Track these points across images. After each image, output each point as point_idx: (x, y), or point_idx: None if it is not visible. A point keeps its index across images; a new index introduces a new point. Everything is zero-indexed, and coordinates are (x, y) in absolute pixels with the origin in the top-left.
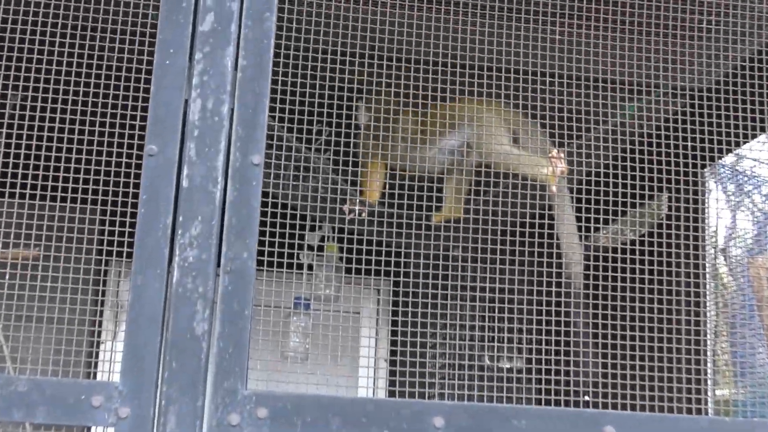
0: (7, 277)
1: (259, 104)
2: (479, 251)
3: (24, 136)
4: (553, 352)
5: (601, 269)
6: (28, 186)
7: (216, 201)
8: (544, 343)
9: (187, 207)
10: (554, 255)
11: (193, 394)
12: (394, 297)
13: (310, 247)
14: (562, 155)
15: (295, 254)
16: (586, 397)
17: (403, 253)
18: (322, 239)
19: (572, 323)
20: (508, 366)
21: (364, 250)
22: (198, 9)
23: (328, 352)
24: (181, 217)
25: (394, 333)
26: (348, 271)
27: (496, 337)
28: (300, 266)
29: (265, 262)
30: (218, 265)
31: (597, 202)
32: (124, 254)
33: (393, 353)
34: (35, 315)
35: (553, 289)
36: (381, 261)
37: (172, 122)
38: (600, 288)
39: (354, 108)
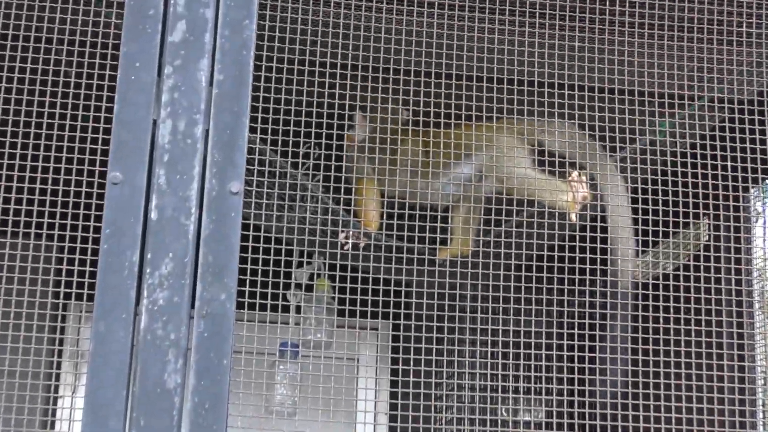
0: None
1: (238, 124)
2: (493, 288)
3: None
4: (578, 404)
5: (630, 305)
6: None
7: (189, 235)
8: (567, 393)
9: (156, 242)
10: (577, 293)
11: None
12: (394, 342)
13: (299, 286)
14: (583, 179)
15: (281, 294)
16: None
17: (404, 291)
18: (312, 276)
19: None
20: (527, 420)
21: (359, 289)
22: (167, 17)
23: (320, 405)
24: (150, 253)
25: (395, 383)
26: (342, 312)
27: (513, 387)
28: (287, 307)
29: (246, 304)
30: (192, 308)
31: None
32: (85, 296)
33: (394, 406)
34: None
35: (577, 331)
36: (379, 300)
37: (138, 146)
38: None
39: (348, 122)
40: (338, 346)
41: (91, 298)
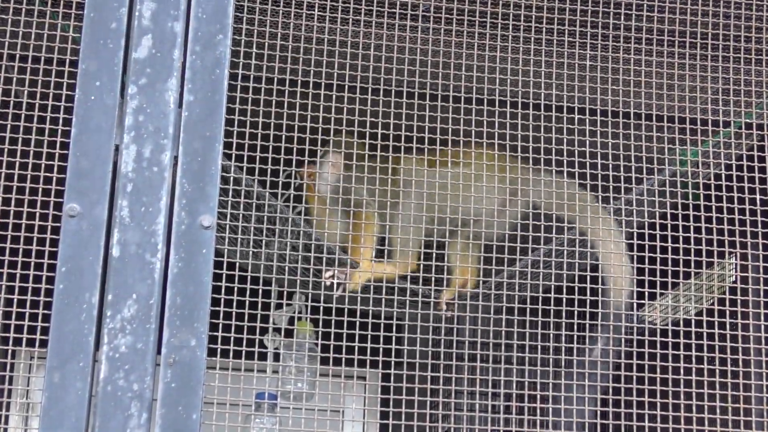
0: None
1: (211, 151)
2: (494, 334)
3: None
4: None
5: (647, 354)
6: None
7: (156, 274)
8: None
9: (118, 282)
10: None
11: None
12: (384, 393)
13: (277, 330)
14: None
15: (257, 339)
16: None
17: (394, 336)
18: (293, 319)
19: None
20: None
21: (344, 333)
22: (131, 31)
23: None
24: (111, 294)
25: None
26: (326, 360)
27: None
28: (264, 354)
29: (218, 350)
30: (159, 355)
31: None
32: (37, 342)
33: None
34: None
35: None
36: (367, 347)
37: (99, 174)
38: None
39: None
40: (321, 397)
41: (43, 344)
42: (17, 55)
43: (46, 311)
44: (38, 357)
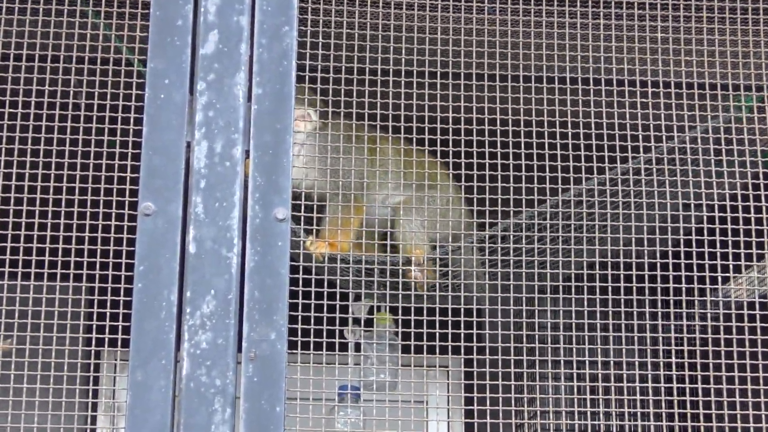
0: None
1: (282, 143)
2: (577, 314)
3: None
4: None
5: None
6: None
7: (233, 269)
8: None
9: (196, 278)
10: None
11: None
12: (467, 380)
13: (357, 321)
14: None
15: (337, 331)
16: None
17: (475, 321)
18: (372, 310)
19: None
20: None
21: (425, 321)
22: (197, 27)
23: None
24: (190, 291)
25: (470, 426)
26: (407, 349)
27: (603, 426)
28: (345, 346)
29: (299, 344)
30: (239, 350)
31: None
32: (119, 342)
33: None
34: (9, 426)
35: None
36: (448, 333)
37: (172, 172)
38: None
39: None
40: (404, 387)
41: (126, 344)
42: (86, 57)
43: (127, 311)
44: (121, 358)
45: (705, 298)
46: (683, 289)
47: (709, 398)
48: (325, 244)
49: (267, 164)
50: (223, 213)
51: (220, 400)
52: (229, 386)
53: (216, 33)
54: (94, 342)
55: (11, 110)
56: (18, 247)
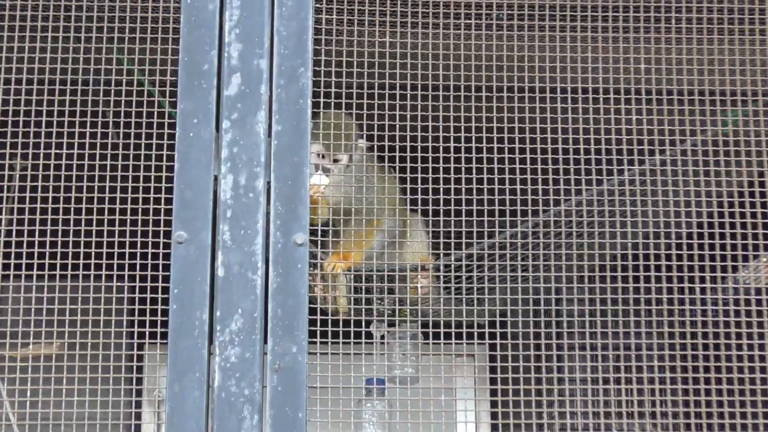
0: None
1: (300, 175)
2: (590, 300)
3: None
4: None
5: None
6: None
7: (257, 290)
8: (683, 405)
9: (224, 299)
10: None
11: None
12: (493, 368)
13: (381, 318)
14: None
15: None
16: None
17: (498, 310)
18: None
19: None
20: None
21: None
22: (222, 71)
23: None
24: (219, 311)
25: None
26: (433, 336)
27: (626, 404)
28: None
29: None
30: (265, 363)
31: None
32: (158, 335)
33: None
34: (63, 422)
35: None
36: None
37: (201, 203)
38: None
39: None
40: (433, 377)
41: (166, 336)
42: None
43: (166, 307)
44: (162, 351)
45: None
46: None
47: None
48: (340, 259)
49: (287, 194)
50: (248, 239)
51: (249, 408)
52: (256, 395)
53: (239, 76)
54: (136, 336)
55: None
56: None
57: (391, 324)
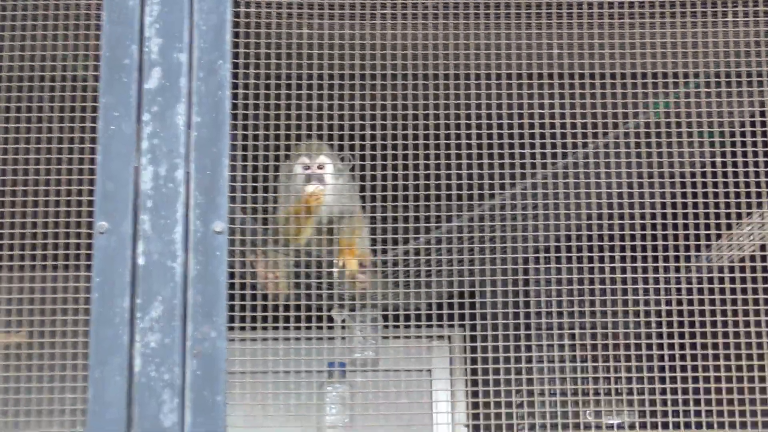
0: None
1: (218, 165)
2: (564, 278)
3: None
4: (671, 402)
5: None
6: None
7: (177, 277)
8: (660, 391)
9: (145, 287)
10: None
11: None
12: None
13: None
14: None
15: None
16: None
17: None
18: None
19: None
20: (614, 422)
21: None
22: (143, 65)
23: (393, 421)
24: (140, 298)
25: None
26: (411, 321)
27: (601, 387)
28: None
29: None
30: (185, 348)
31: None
32: None
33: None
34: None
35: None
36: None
37: (122, 194)
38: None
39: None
40: (406, 360)
41: None
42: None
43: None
44: None
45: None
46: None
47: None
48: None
49: (206, 184)
50: (168, 229)
51: (169, 392)
52: (176, 380)
53: (159, 69)
54: None
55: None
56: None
57: (352, 309)
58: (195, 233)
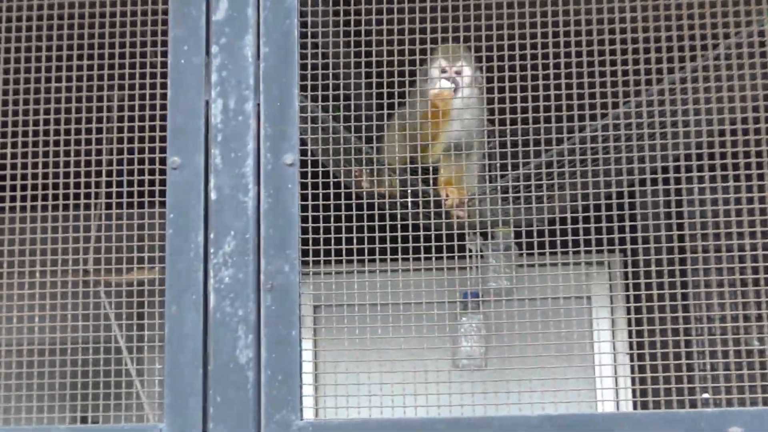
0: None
1: (288, 96)
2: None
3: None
4: None
5: None
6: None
7: (249, 211)
8: None
9: (217, 221)
10: None
11: (244, 431)
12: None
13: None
14: None
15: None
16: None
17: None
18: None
19: None
20: None
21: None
22: None
23: (552, 351)
24: (213, 233)
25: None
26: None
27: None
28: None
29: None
30: (259, 283)
31: None
32: None
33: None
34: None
35: None
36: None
37: (194, 129)
38: None
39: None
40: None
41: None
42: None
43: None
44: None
45: None
46: None
47: None
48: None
49: (275, 115)
50: (239, 162)
51: (243, 327)
52: (250, 315)
53: (226, 1)
54: None
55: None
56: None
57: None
58: (266, 166)
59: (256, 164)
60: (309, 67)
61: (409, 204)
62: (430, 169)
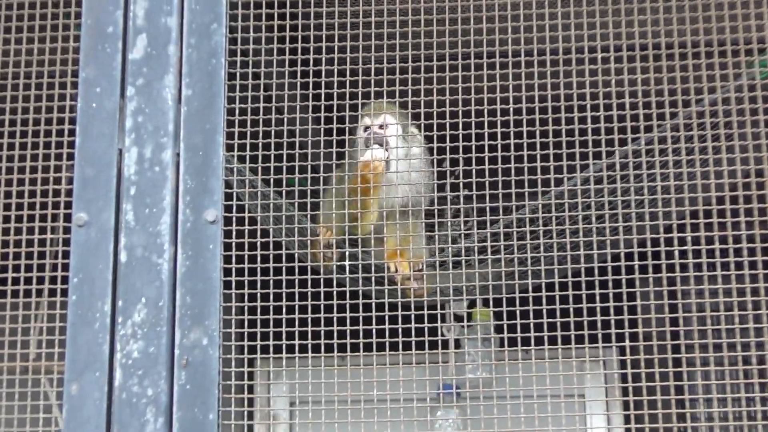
0: None
1: (212, 144)
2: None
3: None
4: None
5: None
6: None
7: (163, 275)
8: None
9: (127, 287)
10: None
11: None
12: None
13: (456, 318)
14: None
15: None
16: None
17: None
18: (472, 305)
19: None
20: None
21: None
22: (127, 32)
23: None
24: (121, 300)
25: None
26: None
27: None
28: (444, 345)
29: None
30: (173, 358)
31: None
32: (271, 349)
33: None
34: None
35: None
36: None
37: (104, 181)
38: None
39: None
40: (559, 380)
41: (278, 350)
42: (32, 72)
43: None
44: (274, 366)
45: None
46: None
47: None
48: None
49: (198, 166)
50: (153, 219)
51: (152, 409)
52: (161, 395)
53: (144, 37)
54: (246, 350)
55: None
56: None
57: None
58: (184, 224)
59: (173, 221)
60: (237, 112)
61: (351, 279)
62: (372, 240)
